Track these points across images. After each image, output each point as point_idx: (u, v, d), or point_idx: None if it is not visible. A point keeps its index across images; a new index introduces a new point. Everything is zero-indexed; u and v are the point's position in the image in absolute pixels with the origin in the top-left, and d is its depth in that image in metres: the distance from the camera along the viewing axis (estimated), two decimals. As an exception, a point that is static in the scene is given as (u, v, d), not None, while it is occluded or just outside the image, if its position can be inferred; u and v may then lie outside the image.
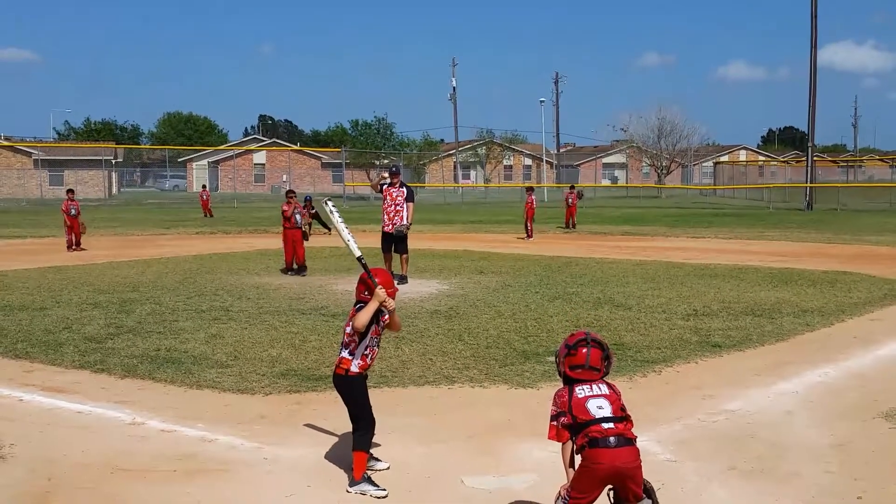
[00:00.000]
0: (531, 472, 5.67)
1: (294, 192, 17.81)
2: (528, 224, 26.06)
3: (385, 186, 14.91)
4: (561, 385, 4.46)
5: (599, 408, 4.26)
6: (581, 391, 4.32)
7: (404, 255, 14.83)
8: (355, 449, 5.44)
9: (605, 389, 4.36)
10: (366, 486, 5.34)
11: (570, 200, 30.53)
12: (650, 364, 8.64)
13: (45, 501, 5.23)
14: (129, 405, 7.24)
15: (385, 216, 14.92)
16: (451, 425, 6.74)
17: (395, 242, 14.80)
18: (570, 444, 4.33)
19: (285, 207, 16.96)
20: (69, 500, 5.25)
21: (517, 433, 6.49)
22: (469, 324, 10.71)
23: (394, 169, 15.37)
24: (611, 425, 4.20)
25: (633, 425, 4.32)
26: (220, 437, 6.41)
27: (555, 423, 4.35)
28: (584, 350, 4.38)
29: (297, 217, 16.82)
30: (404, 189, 14.91)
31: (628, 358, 8.85)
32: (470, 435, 6.50)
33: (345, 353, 5.48)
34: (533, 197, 26.89)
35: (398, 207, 14.75)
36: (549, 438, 4.40)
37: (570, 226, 30.04)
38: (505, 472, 5.72)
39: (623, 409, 4.32)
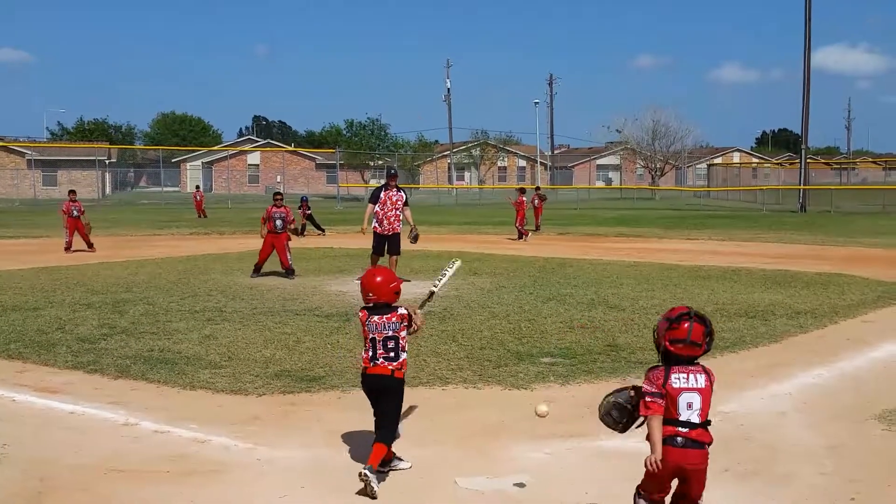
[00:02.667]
0: (524, 474, 5.67)
1: (281, 195, 17.33)
2: (519, 224, 26.16)
3: (384, 190, 14.83)
4: (657, 364, 4.31)
5: (688, 406, 4.18)
6: (677, 380, 4.20)
7: (395, 257, 14.86)
8: (380, 441, 5.53)
9: (702, 382, 4.22)
10: (396, 462, 5.68)
11: (535, 202, 30.27)
12: (644, 365, 8.61)
13: (39, 502, 5.22)
14: (123, 406, 7.23)
15: (385, 220, 14.72)
16: (444, 426, 6.74)
17: (388, 244, 14.81)
18: (660, 418, 4.21)
19: (265, 213, 16.41)
20: (62, 501, 5.24)
21: (511, 434, 6.50)
22: (463, 325, 10.71)
23: (392, 171, 15.22)
24: (686, 430, 4.17)
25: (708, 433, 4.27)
26: (214, 438, 6.40)
27: (650, 399, 4.21)
28: (687, 324, 4.22)
29: (278, 222, 16.23)
30: (403, 194, 14.93)
31: (622, 359, 8.87)
32: (463, 436, 6.50)
33: (404, 356, 5.68)
34: (523, 198, 26.91)
35: (398, 212, 14.77)
36: (646, 413, 4.24)
37: (535, 228, 29.72)
38: (498, 473, 5.72)
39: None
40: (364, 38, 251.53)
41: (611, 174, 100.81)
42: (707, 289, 14.02)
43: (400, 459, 5.78)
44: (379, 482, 5.36)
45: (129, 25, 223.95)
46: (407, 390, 7.71)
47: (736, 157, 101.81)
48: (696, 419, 4.21)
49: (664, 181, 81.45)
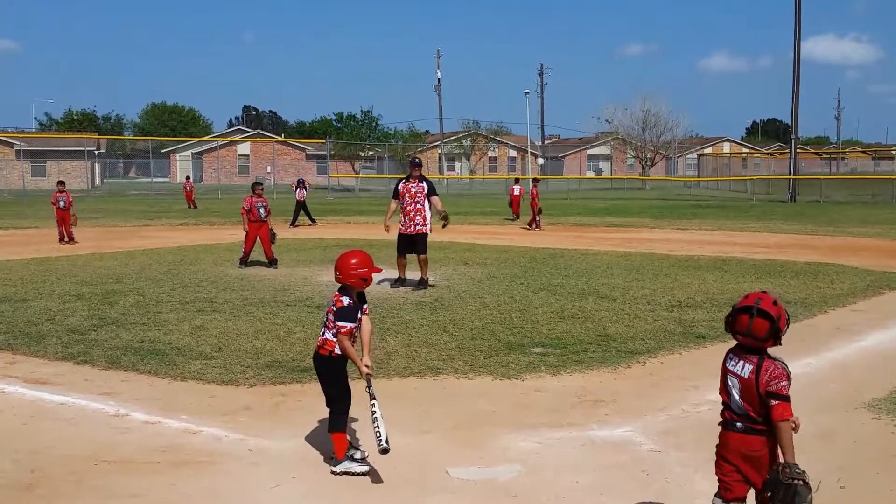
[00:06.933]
0: (516, 463, 5.69)
1: (262, 185, 17.23)
2: (517, 211, 26.34)
3: (403, 183, 13.39)
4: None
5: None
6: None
7: (422, 257, 13.19)
8: (333, 431, 5.51)
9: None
10: (349, 464, 5.44)
11: (516, 191, 30.38)
12: (635, 355, 8.67)
13: (29, 493, 5.21)
14: (113, 397, 7.22)
15: (405, 217, 13.26)
16: (435, 416, 6.75)
17: (413, 244, 13.22)
18: None
19: (245, 204, 16.30)
20: (53, 492, 5.23)
21: (502, 424, 6.51)
22: (454, 315, 10.71)
23: (416, 161, 13.76)
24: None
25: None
26: (205, 429, 6.39)
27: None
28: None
29: (261, 210, 16.21)
30: (424, 184, 13.27)
31: (613, 349, 8.89)
32: (455, 426, 6.51)
33: (328, 335, 5.54)
34: (514, 187, 27.07)
35: (418, 206, 13.18)
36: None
37: (517, 217, 29.81)
38: (490, 462, 5.74)
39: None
40: (354, 28, 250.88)
41: (601, 164, 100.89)
42: (697, 278, 14.06)
43: (356, 448, 5.67)
44: (360, 462, 5.47)
45: (118, 14, 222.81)
46: (399, 380, 7.77)
47: (726, 147, 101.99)
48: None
49: (654, 171, 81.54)
